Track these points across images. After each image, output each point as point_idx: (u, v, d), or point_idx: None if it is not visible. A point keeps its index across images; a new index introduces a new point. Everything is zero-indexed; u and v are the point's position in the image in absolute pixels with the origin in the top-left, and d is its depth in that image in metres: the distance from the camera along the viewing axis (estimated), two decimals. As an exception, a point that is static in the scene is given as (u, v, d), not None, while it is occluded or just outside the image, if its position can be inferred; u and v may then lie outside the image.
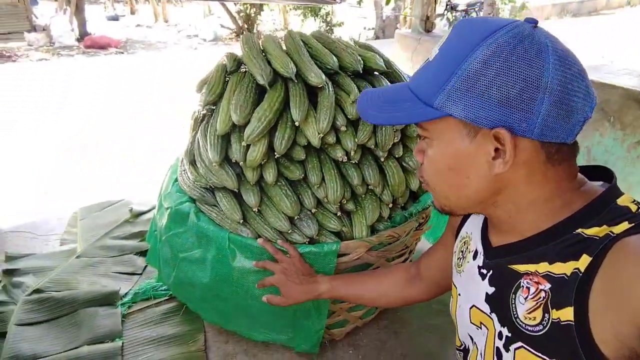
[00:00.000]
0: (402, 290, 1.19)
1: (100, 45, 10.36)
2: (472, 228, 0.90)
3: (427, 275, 1.14)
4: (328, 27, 12.79)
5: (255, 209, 1.40)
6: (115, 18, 16.15)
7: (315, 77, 1.36)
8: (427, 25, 3.52)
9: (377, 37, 12.88)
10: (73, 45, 10.52)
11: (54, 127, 4.61)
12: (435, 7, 3.57)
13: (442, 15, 12.65)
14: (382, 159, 1.46)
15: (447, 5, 12.71)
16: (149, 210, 2.50)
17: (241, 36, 1.60)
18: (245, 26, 13.02)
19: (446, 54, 0.68)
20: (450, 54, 0.67)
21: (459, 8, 12.99)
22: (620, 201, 0.67)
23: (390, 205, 1.50)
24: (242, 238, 1.39)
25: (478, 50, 0.63)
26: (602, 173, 0.75)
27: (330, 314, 1.57)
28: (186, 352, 1.63)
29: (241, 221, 1.40)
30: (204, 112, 1.57)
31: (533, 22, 0.66)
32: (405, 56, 3.61)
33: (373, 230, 1.48)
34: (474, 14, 13.40)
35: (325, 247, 1.37)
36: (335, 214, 1.43)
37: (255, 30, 13.12)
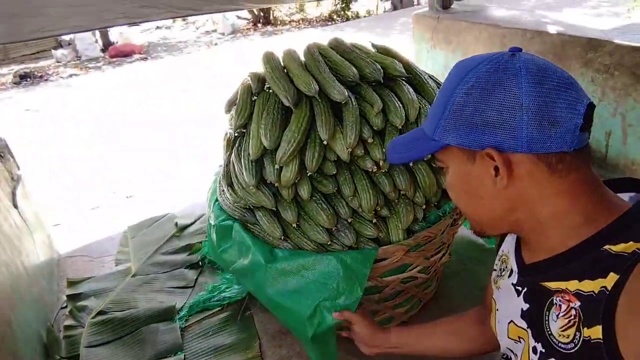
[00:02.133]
0: (479, 334, 1.10)
1: (125, 53, 10.58)
2: (508, 247, 0.92)
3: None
4: (344, 4, 12.59)
5: (294, 225, 1.46)
6: (135, 23, 16.38)
7: (339, 94, 1.40)
8: (445, 1, 3.45)
9: (395, 8, 12.59)
10: (99, 56, 10.79)
11: (91, 143, 4.81)
12: (451, -18, 3.48)
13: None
14: (412, 164, 1.49)
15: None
16: (192, 223, 2.61)
17: (261, 55, 1.65)
18: (262, 14, 12.99)
19: (441, 92, 0.78)
20: (443, 91, 0.77)
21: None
22: None
23: (424, 207, 1.53)
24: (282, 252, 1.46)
25: (462, 83, 0.72)
26: (631, 184, 0.77)
27: (374, 314, 1.63)
28: (245, 359, 1.74)
29: (282, 237, 1.47)
30: (236, 134, 1.63)
31: (513, 51, 0.73)
32: (427, 37, 3.56)
33: (409, 232, 1.52)
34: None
35: (364, 252, 1.43)
36: (371, 221, 1.48)
37: (271, 17, 13.07)
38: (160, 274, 2.24)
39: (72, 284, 2.26)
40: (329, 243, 1.44)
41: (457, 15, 3.35)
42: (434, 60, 3.55)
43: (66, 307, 2.11)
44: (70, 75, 9.32)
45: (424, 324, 1.23)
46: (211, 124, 4.25)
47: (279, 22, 13.02)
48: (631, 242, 0.65)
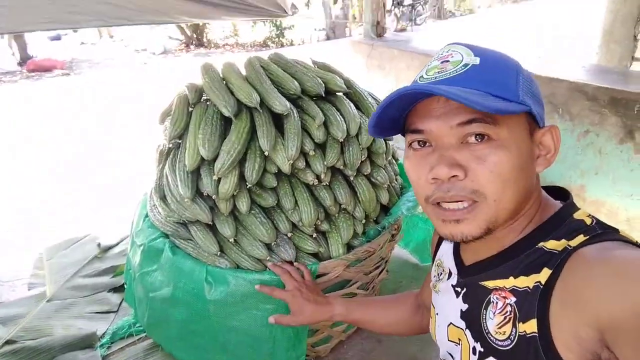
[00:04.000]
0: (411, 318, 1.19)
1: (45, 68, 9.95)
2: (443, 252, 0.95)
3: (427, 306, 1.15)
4: (279, 31, 12.77)
5: (232, 240, 1.40)
6: (57, 38, 15.52)
7: (280, 105, 1.38)
8: (379, 30, 3.59)
9: (328, 38, 12.97)
10: (15, 70, 10.05)
11: (4, 160, 4.42)
12: (384, 12, 3.64)
13: (390, 11, 12.86)
14: (352, 178, 1.49)
15: (393, 1, 12.93)
16: (117, 244, 2.44)
17: (200, 66, 1.60)
18: (194, 36, 12.84)
19: (492, 59, 0.73)
20: (496, 59, 0.73)
21: (405, 3, 13.24)
22: (577, 215, 0.73)
23: (364, 221, 1.53)
24: (220, 269, 1.39)
25: (511, 58, 0.75)
26: (558, 192, 0.82)
27: (313, 332, 1.59)
28: (172, 388, 1.61)
29: (218, 253, 1.40)
30: (170, 145, 1.55)
31: None
32: (361, 62, 3.67)
33: (349, 247, 1.51)
34: (420, 8, 13.69)
35: (305, 269, 1.39)
36: (311, 236, 1.45)
37: (205, 39, 12.95)
38: (80, 298, 2.05)
39: (-25, 311, 2.01)
40: (267, 258, 1.39)
41: (390, 43, 3.49)
42: (370, 83, 3.66)
43: (-34, 337, 1.86)
44: (-19, 88, 8.59)
45: (365, 299, 1.34)
46: (134, 139, 4.05)
47: (212, 45, 12.92)
48: (563, 240, 0.69)
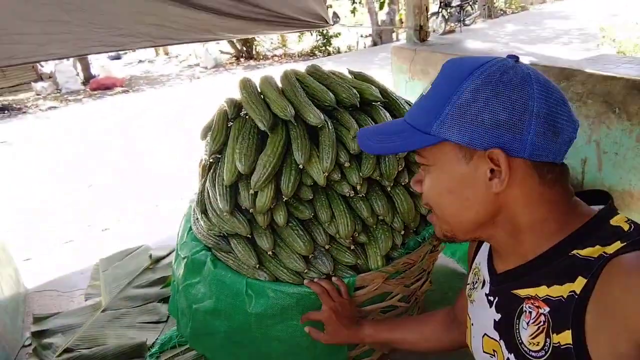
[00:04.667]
0: (444, 334, 1.17)
1: (106, 86, 10.57)
2: (481, 259, 0.92)
3: (462, 318, 1.14)
4: (325, 40, 12.88)
5: (270, 252, 1.41)
6: (117, 57, 16.47)
7: (315, 117, 1.38)
8: (422, 34, 3.52)
9: (374, 44, 12.92)
10: (79, 89, 10.75)
11: (71, 173, 4.71)
12: (427, 16, 3.57)
13: (437, 13, 12.65)
14: (389, 188, 1.47)
15: (440, 3, 12.71)
16: (168, 255, 2.53)
17: (238, 81, 1.63)
18: (244, 49, 13.19)
19: (438, 87, 0.74)
20: (442, 86, 0.73)
21: (454, 4, 12.97)
22: (614, 221, 0.69)
23: (403, 232, 1.50)
24: (259, 282, 1.41)
25: (469, 80, 0.69)
26: (600, 196, 0.77)
27: (355, 345, 1.57)
28: (219, 397, 1.64)
29: (257, 266, 1.42)
30: (211, 160, 1.59)
31: (514, 58, 0.72)
32: (404, 68, 3.61)
33: (388, 258, 1.48)
34: (468, 8, 13.37)
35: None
36: (349, 248, 1.44)
37: (254, 52, 13.27)
38: (132, 309, 2.14)
39: (38, 320, 2.15)
40: (305, 271, 1.39)
41: (434, 48, 3.42)
42: (412, 91, 3.60)
43: (30, 344, 1.99)
44: (50, 108, 9.23)
45: (395, 319, 1.36)
46: (188, 155, 4.21)
47: (261, 57, 13.22)
48: (598, 246, 0.66)
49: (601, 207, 0.73)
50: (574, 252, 0.68)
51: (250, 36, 9.55)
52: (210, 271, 1.48)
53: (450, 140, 0.70)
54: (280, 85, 1.60)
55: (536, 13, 13.64)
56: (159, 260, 2.50)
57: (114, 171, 4.66)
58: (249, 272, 1.44)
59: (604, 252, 0.64)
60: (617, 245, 0.64)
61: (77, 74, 11.40)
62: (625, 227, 0.67)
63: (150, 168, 4.59)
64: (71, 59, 11.72)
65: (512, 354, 0.74)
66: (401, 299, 1.55)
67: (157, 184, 4.08)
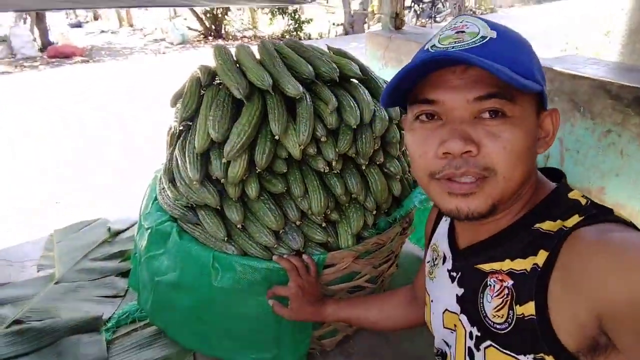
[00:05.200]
0: (405, 312, 1.19)
1: (65, 55, 10.04)
2: (438, 237, 0.93)
3: (421, 296, 1.14)
4: (297, 25, 12.73)
5: (239, 226, 1.37)
6: (78, 25, 15.74)
7: (293, 88, 1.34)
8: (397, 22, 3.52)
9: (346, 33, 12.87)
10: (36, 56, 10.16)
11: (23, 143, 4.47)
12: (403, 4, 3.57)
13: (410, 7, 12.73)
14: (364, 167, 1.45)
15: (413, -3, 12.80)
16: (127, 229, 2.44)
17: (213, 48, 1.57)
18: (213, 27, 12.86)
19: (509, 34, 0.70)
20: (512, 35, 0.70)
21: (426, 0, 13.09)
22: (571, 195, 0.71)
23: (374, 212, 1.49)
24: (227, 256, 1.37)
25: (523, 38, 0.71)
26: (552, 174, 0.80)
27: (320, 325, 1.56)
28: (176, 374, 1.60)
29: (226, 239, 1.38)
30: (180, 128, 1.53)
31: None
32: (378, 54, 3.61)
33: (359, 238, 1.47)
34: (440, 5, 13.53)
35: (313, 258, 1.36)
36: (320, 225, 1.42)
37: (223, 31, 12.96)
38: (88, 282, 2.04)
39: (-16, 290, 2.02)
40: (275, 246, 1.36)
41: (409, 36, 3.43)
42: (386, 78, 3.60)
43: (-25, 315, 1.87)
44: (2, 73, 8.71)
45: (357, 298, 1.37)
46: (153, 126, 4.07)
47: (230, 37, 12.93)
48: (558, 221, 0.68)
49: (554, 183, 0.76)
50: (536, 226, 0.69)
51: (227, 5, 9.29)
52: (176, 243, 1.42)
53: (544, 92, 0.70)
54: (257, 55, 1.55)
55: (504, 16, 13.95)
56: (117, 233, 2.41)
57: (72, 142, 4.44)
58: (216, 245, 1.40)
59: (564, 226, 0.66)
60: (576, 218, 0.66)
61: (34, 40, 10.79)
62: (583, 201, 0.70)
63: (113, 140, 4.41)
64: (28, 23, 11.10)
65: (475, 327, 0.75)
66: (369, 279, 1.55)
67: (119, 156, 3.93)
